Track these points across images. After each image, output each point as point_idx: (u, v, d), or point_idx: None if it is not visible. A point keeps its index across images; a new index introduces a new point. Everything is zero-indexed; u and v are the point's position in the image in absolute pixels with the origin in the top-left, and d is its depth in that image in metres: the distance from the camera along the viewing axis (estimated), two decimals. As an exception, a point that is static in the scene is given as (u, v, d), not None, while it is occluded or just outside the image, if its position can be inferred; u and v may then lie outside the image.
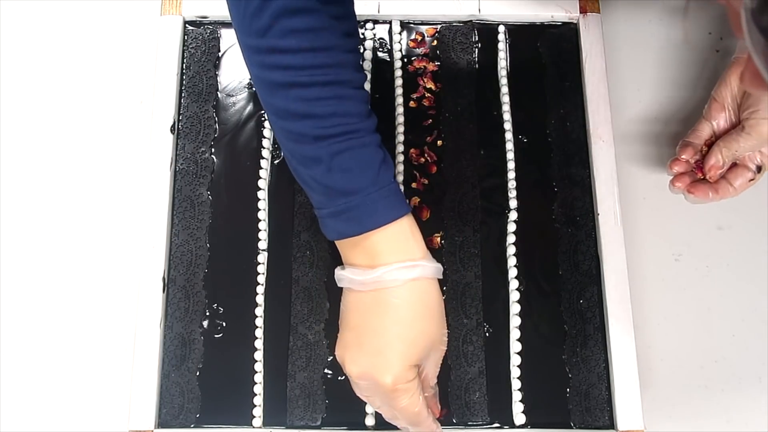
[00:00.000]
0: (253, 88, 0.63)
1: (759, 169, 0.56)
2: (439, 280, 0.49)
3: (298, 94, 0.46)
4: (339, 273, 0.50)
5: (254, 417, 0.55)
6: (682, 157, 0.57)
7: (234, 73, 0.64)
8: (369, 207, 0.47)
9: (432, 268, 0.48)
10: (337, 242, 0.50)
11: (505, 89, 0.63)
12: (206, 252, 0.59)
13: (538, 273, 0.59)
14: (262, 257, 0.59)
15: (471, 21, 0.65)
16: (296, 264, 0.59)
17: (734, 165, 0.56)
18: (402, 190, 0.50)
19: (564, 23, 0.65)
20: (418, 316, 0.48)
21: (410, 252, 0.48)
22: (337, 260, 0.58)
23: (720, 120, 0.57)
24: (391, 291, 0.47)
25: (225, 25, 0.65)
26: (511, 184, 0.61)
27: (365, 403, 0.55)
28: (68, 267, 0.61)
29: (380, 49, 0.64)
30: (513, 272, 0.58)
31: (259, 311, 0.57)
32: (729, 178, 0.56)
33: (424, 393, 0.49)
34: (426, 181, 0.61)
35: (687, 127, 0.59)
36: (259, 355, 0.56)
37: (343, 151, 0.47)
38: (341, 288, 0.51)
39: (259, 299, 0.58)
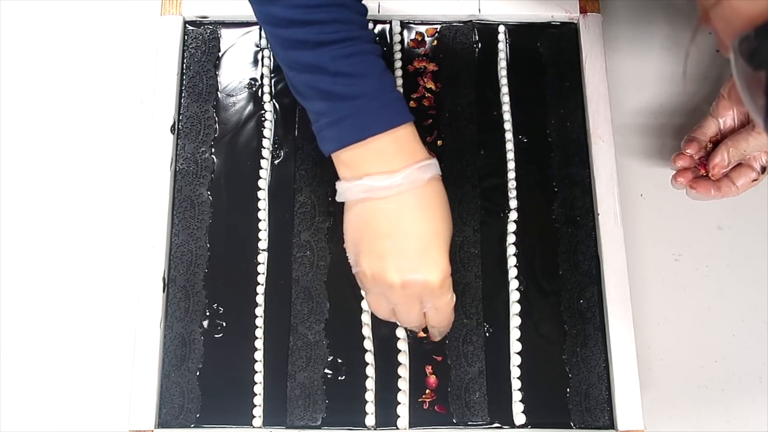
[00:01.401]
0: (254, 89, 0.63)
1: (763, 169, 0.55)
2: None
3: (299, 1, 0.47)
4: (349, 184, 0.48)
5: (254, 417, 0.55)
6: (687, 151, 0.57)
7: (234, 73, 0.64)
8: (375, 111, 0.47)
9: (437, 165, 0.50)
10: (338, 154, 0.49)
11: (505, 89, 0.63)
12: (206, 252, 0.59)
13: (538, 273, 0.59)
14: (262, 257, 0.59)
15: (471, 21, 0.65)
16: (296, 264, 0.59)
17: (738, 164, 0.56)
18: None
19: (564, 23, 0.65)
20: (443, 211, 0.49)
21: (420, 152, 0.49)
22: (338, 260, 0.58)
23: (727, 118, 0.56)
24: (416, 191, 0.47)
25: (225, 25, 0.65)
26: (511, 184, 0.61)
27: (365, 403, 0.55)
28: (68, 267, 0.61)
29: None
30: (513, 272, 0.58)
31: (259, 311, 0.57)
32: (732, 177, 0.56)
33: None
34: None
35: (686, 128, 0.59)
36: (259, 355, 0.56)
37: (345, 57, 0.47)
38: (341, 205, 0.50)
39: (259, 299, 0.58)
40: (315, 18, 0.47)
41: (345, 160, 0.49)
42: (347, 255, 0.52)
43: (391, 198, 0.47)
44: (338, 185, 0.50)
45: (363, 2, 0.52)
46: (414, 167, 0.47)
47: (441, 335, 0.55)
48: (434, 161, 0.49)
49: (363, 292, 0.54)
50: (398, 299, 0.49)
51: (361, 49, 0.48)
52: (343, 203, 0.51)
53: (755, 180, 0.56)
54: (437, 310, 0.49)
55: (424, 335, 0.56)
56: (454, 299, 0.50)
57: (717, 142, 0.57)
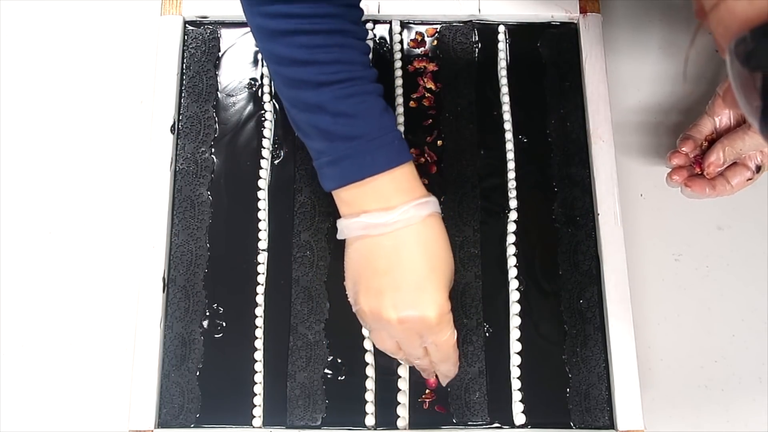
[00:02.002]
0: (254, 89, 0.63)
1: (758, 168, 0.56)
2: None
3: (301, 41, 0.47)
4: (349, 221, 0.49)
5: (254, 417, 0.55)
6: (682, 149, 0.57)
7: (234, 73, 0.64)
8: (374, 152, 0.47)
9: (437, 203, 0.50)
10: (339, 192, 0.50)
11: (505, 89, 0.63)
12: (206, 252, 0.59)
13: (538, 273, 0.59)
14: (262, 257, 0.59)
15: (471, 21, 0.65)
16: (296, 264, 0.59)
17: (733, 163, 0.56)
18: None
19: (564, 23, 0.65)
20: (442, 249, 0.49)
21: (419, 190, 0.49)
22: (338, 260, 0.58)
23: (723, 116, 0.56)
24: (413, 228, 0.48)
25: (225, 25, 0.65)
26: (511, 184, 0.61)
27: (365, 403, 0.55)
28: (68, 267, 0.61)
29: (380, 49, 0.64)
30: (513, 272, 0.58)
31: (259, 311, 0.57)
32: (727, 176, 0.56)
33: None
34: (426, 182, 0.60)
35: (685, 127, 0.59)
36: (259, 355, 0.56)
37: (345, 97, 0.47)
38: (342, 242, 0.51)
39: (259, 299, 0.58)
40: (317, 58, 0.47)
41: (344, 198, 0.49)
42: (347, 293, 0.52)
43: (389, 234, 0.48)
44: (338, 223, 0.51)
45: (363, 10, 0.52)
46: (411, 204, 0.48)
47: (448, 379, 0.54)
48: (433, 199, 0.50)
49: (365, 331, 0.55)
50: (398, 335, 0.49)
51: (362, 90, 0.48)
52: (344, 242, 0.52)
53: (750, 179, 0.56)
54: (437, 347, 0.49)
55: (435, 380, 0.55)
56: (455, 336, 0.50)
57: (713, 140, 0.57)
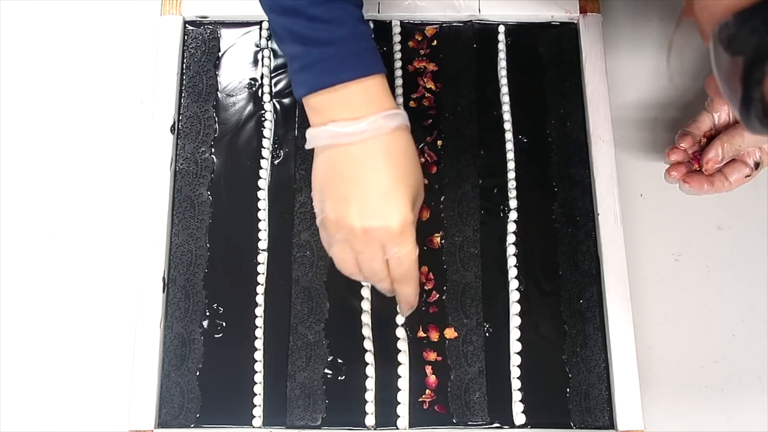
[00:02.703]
0: (254, 89, 0.63)
1: (757, 165, 0.56)
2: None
3: None
4: (317, 130, 0.49)
5: (254, 417, 0.55)
6: (681, 145, 0.57)
7: (234, 73, 0.64)
8: (346, 59, 0.48)
9: (406, 117, 0.50)
10: (308, 99, 0.49)
11: (505, 89, 0.63)
12: (206, 252, 0.59)
13: (538, 273, 0.59)
14: (262, 257, 0.59)
15: (471, 21, 0.65)
16: (296, 264, 0.59)
17: (732, 160, 0.56)
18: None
19: (564, 23, 0.65)
20: (408, 160, 0.49)
21: (389, 102, 0.49)
22: (337, 260, 0.58)
23: (722, 113, 0.56)
24: (381, 139, 0.48)
25: (225, 25, 0.65)
26: (511, 184, 0.61)
27: (365, 403, 0.55)
28: (68, 267, 0.61)
29: (380, 49, 0.64)
30: (513, 272, 0.58)
31: (259, 311, 0.57)
32: (725, 173, 0.56)
33: None
34: (426, 181, 0.60)
35: (685, 124, 0.59)
36: (259, 355, 0.56)
37: (322, 2, 0.47)
38: (311, 151, 0.51)
39: (259, 299, 0.58)
40: None
41: (314, 105, 0.49)
42: (314, 204, 0.52)
43: (357, 144, 0.48)
44: (307, 132, 0.50)
45: (364, 5, 0.52)
46: (380, 114, 0.48)
47: (409, 308, 0.53)
48: (403, 112, 0.49)
49: (327, 247, 0.52)
50: (360, 246, 0.49)
51: None
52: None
53: (748, 176, 0.56)
54: (399, 261, 0.49)
55: (436, 380, 0.56)
56: (416, 251, 0.49)
57: (711, 137, 0.57)
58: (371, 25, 0.49)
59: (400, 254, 0.48)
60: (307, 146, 0.51)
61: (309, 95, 0.49)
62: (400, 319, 0.57)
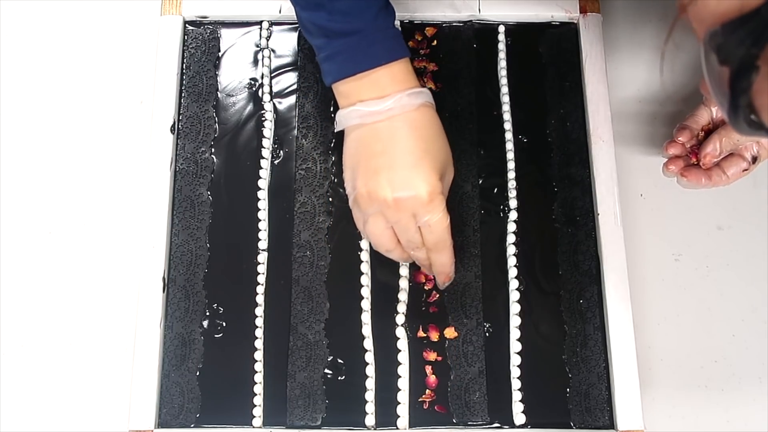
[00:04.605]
0: (253, 89, 0.63)
1: (754, 159, 0.56)
2: None
3: None
4: (346, 111, 0.52)
5: (254, 417, 0.55)
6: (679, 139, 0.57)
7: (234, 73, 0.64)
8: (367, 48, 0.50)
9: (430, 95, 0.52)
10: (337, 86, 0.52)
11: (505, 89, 0.63)
12: (206, 252, 0.59)
13: (538, 273, 0.59)
14: (262, 257, 0.59)
15: (471, 21, 0.65)
16: (296, 264, 0.59)
17: (730, 154, 0.56)
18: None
19: (564, 23, 0.65)
20: (435, 134, 0.52)
21: (413, 82, 0.52)
22: (337, 260, 0.58)
23: (715, 103, 0.56)
24: (408, 115, 0.51)
25: (225, 25, 0.65)
26: (511, 184, 0.61)
27: (365, 403, 0.55)
28: (68, 267, 0.61)
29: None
30: (513, 272, 0.58)
31: (259, 311, 0.57)
32: (723, 167, 0.56)
33: None
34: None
35: (683, 118, 0.59)
36: (259, 355, 0.56)
37: None
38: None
39: (259, 299, 0.58)
40: None
41: (342, 90, 0.52)
42: (345, 185, 0.53)
43: (384, 122, 0.50)
44: (337, 115, 0.53)
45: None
46: (404, 93, 0.50)
47: (445, 278, 0.55)
48: (427, 91, 0.52)
49: (361, 226, 0.54)
50: (393, 216, 0.50)
51: None
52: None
53: (746, 170, 0.56)
54: (430, 228, 0.50)
55: (436, 379, 0.56)
56: (448, 219, 0.51)
57: (709, 131, 0.57)
58: (394, 12, 0.52)
59: (431, 221, 0.50)
60: (337, 128, 0.53)
61: (337, 82, 0.52)
62: (400, 319, 0.57)
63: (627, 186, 0.62)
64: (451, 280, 0.55)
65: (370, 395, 0.55)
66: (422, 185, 0.49)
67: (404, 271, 0.58)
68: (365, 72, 0.50)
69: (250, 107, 0.63)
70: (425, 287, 0.58)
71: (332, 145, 0.61)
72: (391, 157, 0.50)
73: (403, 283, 0.58)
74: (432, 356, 0.57)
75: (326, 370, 0.56)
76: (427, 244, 0.52)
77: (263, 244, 0.59)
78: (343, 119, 0.52)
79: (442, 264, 0.54)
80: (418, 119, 0.51)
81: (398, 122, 0.50)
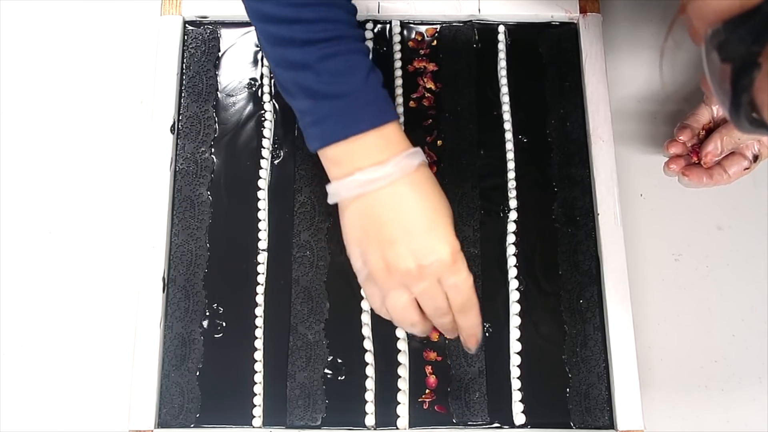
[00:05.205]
0: (253, 89, 0.63)
1: (755, 158, 0.56)
2: None
3: None
4: (342, 183, 0.48)
5: (254, 417, 0.55)
6: (680, 138, 0.57)
7: (234, 73, 0.64)
8: (359, 110, 0.48)
9: (423, 154, 0.50)
10: (325, 151, 0.49)
11: (505, 89, 0.63)
12: (206, 252, 0.59)
13: (538, 273, 0.59)
14: (262, 257, 0.59)
15: (471, 21, 0.65)
16: (296, 264, 0.59)
17: (731, 153, 0.56)
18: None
19: (564, 23, 0.65)
20: (437, 191, 0.49)
21: (406, 143, 0.49)
22: (338, 260, 0.58)
23: (716, 101, 0.56)
24: (409, 177, 0.48)
25: (225, 25, 0.65)
26: (511, 184, 0.61)
27: (365, 403, 0.55)
28: (68, 267, 0.61)
29: (380, 49, 0.64)
30: (513, 272, 0.58)
31: (259, 311, 0.57)
32: (724, 165, 0.56)
33: None
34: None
35: (684, 117, 0.59)
36: (259, 355, 0.56)
37: (331, 56, 0.47)
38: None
39: (259, 299, 0.58)
40: (304, 16, 0.47)
41: (332, 157, 0.49)
42: (352, 262, 0.50)
43: (386, 188, 0.47)
44: (329, 187, 0.50)
45: (360, 2, 0.52)
46: (402, 155, 0.48)
47: (475, 340, 0.51)
48: (419, 149, 0.50)
49: (379, 303, 0.50)
50: (418, 285, 0.48)
51: (348, 48, 0.48)
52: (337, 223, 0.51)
53: (747, 168, 0.56)
54: (458, 290, 0.48)
55: (436, 380, 0.55)
56: (471, 279, 0.49)
57: (710, 129, 0.57)
58: (381, 75, 0.50)
59: (458, 282, 0.48)
60: (331, 201, 0.50)
61: (325, 147, 0.49)
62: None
63: (627, 186, 0.62)
64: (480, 343, 0.52)
65: (370, 395, 0.55)
66: (443, 247, 0.47)
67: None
68: (357, 136, 0.47)
69: (250, 107, 0.63)
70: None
71: (332, 145, 0.61)
72: (404, 224, 0.47)
73: (403, 283, 0.58)
74: (432, 356, 0.57)
75: (326, 370, 0.56)
76: (455, 307, 0.49)
77: (263, 244, 0.59)
78: (341, 191, 0.49)
79: (471, 326, 0.50)
80: (420, 179, 0.48)
81: (401, 186, 0.48)
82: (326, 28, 0.48)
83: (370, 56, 0.63)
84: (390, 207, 0.48)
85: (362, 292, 0.56)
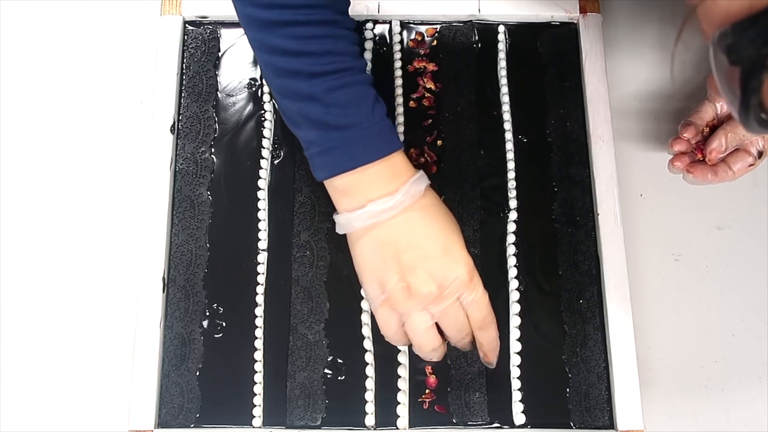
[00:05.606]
0: (253, 89, 0.63)
1: (760, 154, 0.56)
2: None
3: (296, 32, 0.48)
4: (354, 214, 0.49)
5: (254, 417, 0.55)
6: (684, 135, 0.57)
7: (234, 73, 0.64)
8: (366, 140, 0.49)
9: (426, 176, 0.51)
10: (332, 181, 0.50)
11: (505, 89, 0.63)
12: (206, 252, 0.59)
13: (538, 273, 0.59)
14: (262, 257, 0.59)
15: (471, 21, 0.65)
16: (296, 264, 0.59)
17: (735, 149, 0.56)
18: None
19: (564, 23, 0.65)
20: (445, 212, 0.51)
21: (411, 170, 0.51)
22: (338, 260, 0.58)
23: (724, 102, 0.56)
24: (420, 203, 0.49)
25: (225, 25, 0.65)
26: (511, 184, 0.61)
27: (365, 403, 0.55)
28: (68, 267, 0.61)
29: (380, 49, 0.64)
30: (513, 272, 0.58)
31: (259, 311, 0.57)
32: (729, 162, 0.56)
33: None
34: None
35: (688, 114, 0.59)
36: (259, 355, 0.56)
37: (338, 88, 0.48)
38: (342, 239, 0.51)
39: (259, 299, 0.58)
40: (310, 49, 0.48)
41: (341, 186, 0.50)
42: (366, 290, 0.51)
43: (399, 216, 0.48)
44: (339, 217, 0.50)
45: (360, 2, 0.52)
46: (410, 182, 0.49)
47: (494, 354, 0.52)
48: (423, 173, 0.51)
49: (394, 329, 0.50)
50: (439, 305, 0.49)
51: (354, 80, 0.49)
52: (344, 239, 0.52)
53: (752, 165, 0.56)
54: (477, 306, 0.49)
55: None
56: (487, 294, 0.50)
57: (714, 126, 0.57)
58: (385, 106, 0.51)
59: (476, 299, 0.49)
60: (341, 231, 0.51)
61: (333, 177, 0.49)
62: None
63: (627, 186, 0.62)
64: (497, 355, 0.53)
65: (369, 395, 0.55)
66: (460, 267, 0.48)
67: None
68: (366, 166, 0.48)
69: (250, 107, 0.63)
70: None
71: (332, 145, 0.61)
72: (421, 248, 0.48)
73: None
74: (432, 356, 0.57)
75: (326, 370, 0.56)
76: (475, 323, 0.50)
77: (263, 244, 0.59)
78: (352, 221, 0.49)
79: (490, 340, 0.51)
80: (428, 204, 0.50)
81: (413, 212, 0.49)
82: (333, 61, 0.48)
83: (370, 58, 0.63)
84: (405, 233, 0.49)
85: (366, 304, 0.56)
